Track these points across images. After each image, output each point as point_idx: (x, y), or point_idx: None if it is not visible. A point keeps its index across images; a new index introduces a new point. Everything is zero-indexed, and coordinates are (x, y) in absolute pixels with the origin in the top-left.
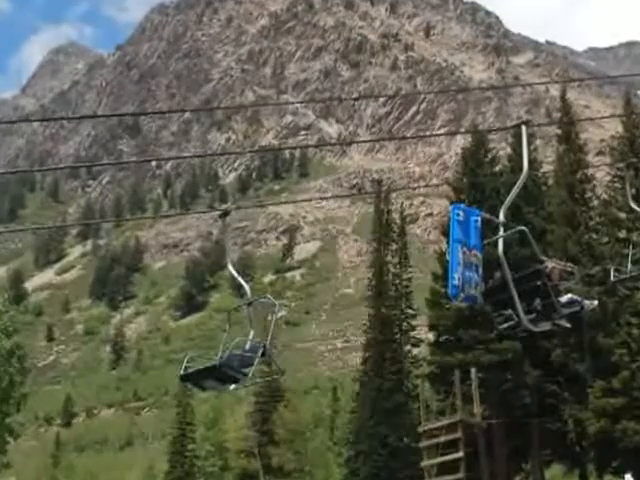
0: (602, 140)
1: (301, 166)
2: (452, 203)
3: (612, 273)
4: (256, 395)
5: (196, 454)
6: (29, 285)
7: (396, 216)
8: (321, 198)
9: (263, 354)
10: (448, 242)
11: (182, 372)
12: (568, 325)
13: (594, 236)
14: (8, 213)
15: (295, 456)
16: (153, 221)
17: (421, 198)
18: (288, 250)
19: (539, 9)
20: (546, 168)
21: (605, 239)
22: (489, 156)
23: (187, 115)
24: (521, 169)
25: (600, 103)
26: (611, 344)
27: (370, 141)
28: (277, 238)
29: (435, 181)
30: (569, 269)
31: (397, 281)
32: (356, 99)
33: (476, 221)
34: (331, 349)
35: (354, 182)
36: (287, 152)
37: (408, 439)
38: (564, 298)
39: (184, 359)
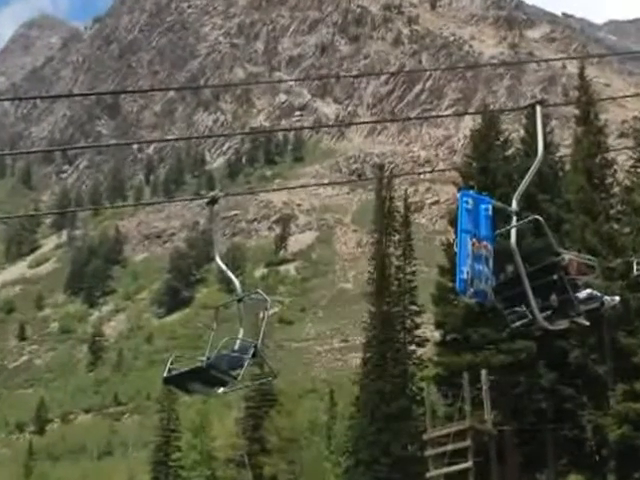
0: (624, 121)
1: (295, 150)
2: (460, 190)
3: (635, 266)
4: (246, 399)
5: (181, 464)
6: None
7: (399, 204)
8: (317, 185)
9: (254, 355)
10: (456, 232)
11: (166, 374)
12: (587, 323)
13: (615, 226)
14: None
15: (289, 466)
16: (134, 210)
17: (426, 184)
18: (281, 241)
19: None
20: (563, 152)
21: (627, 229)
22: (501, 139)
23: (171, 94)
24: (535, 153)
25: (622, 81)
26: (634, 344)
27: (371, 122)
28: (269, 228)
29: (442, 166)
30: (588, 262)
31: (400, 275)
32: (355, 76)
33: (486, 210)
34: (328, 349)
35: (353, 167)
36: (280, 134)
37: (412, 447)
38: (582, 293)
39: (168, 360)
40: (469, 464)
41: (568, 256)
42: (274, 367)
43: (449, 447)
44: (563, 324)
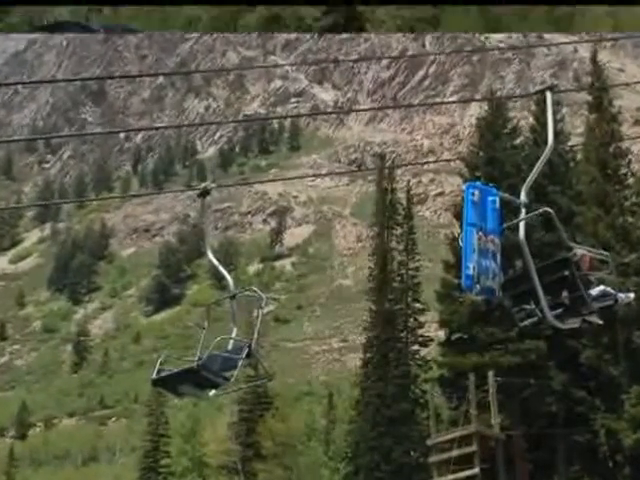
0: (639, 108)
1: (292, 138)
2: (466, 181)
3: None
4: (240, 402)
5: (171, 470)
6: None
7: (401, 196)
8: (315, 175)
9: (248, 355)
10: (461, 226)
11: (155, 375)
12: (600, 322)
13: (629, 219)
14: None
15: (285, 472)
16: (121, 202)
17: (430, 175)
18: (277, 235)
19: None
20: (574, 141)
21: None
22: (509, 127)
23: (160, 80)
24: (545, 142)
25: (636, 66)
26: None
27: (371, 109)
28: (264, 221)
29: (446, 156)
30: (601, 257)
31: (402, 271)
32: (355, 61)
33: (494, 202)
34: (326, 349)
35: (353, 157)
36: (276, 122)
37: (415, 453)
38: (595, 290)
39: (157, 361)
40: (475, 471)
41: (580, 251)
42: (269, 368)
43: (454, 453)
44: (575, 323)
